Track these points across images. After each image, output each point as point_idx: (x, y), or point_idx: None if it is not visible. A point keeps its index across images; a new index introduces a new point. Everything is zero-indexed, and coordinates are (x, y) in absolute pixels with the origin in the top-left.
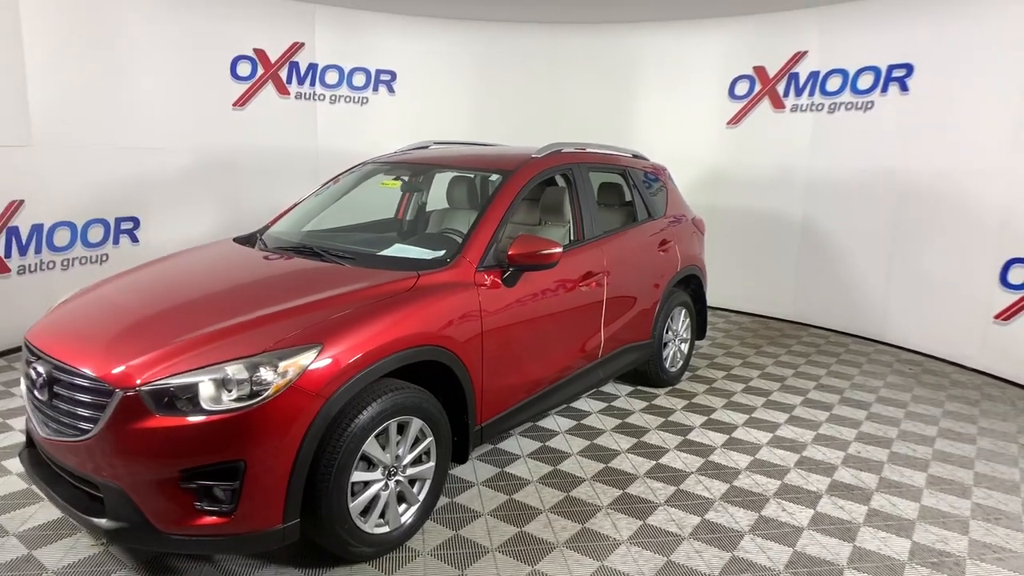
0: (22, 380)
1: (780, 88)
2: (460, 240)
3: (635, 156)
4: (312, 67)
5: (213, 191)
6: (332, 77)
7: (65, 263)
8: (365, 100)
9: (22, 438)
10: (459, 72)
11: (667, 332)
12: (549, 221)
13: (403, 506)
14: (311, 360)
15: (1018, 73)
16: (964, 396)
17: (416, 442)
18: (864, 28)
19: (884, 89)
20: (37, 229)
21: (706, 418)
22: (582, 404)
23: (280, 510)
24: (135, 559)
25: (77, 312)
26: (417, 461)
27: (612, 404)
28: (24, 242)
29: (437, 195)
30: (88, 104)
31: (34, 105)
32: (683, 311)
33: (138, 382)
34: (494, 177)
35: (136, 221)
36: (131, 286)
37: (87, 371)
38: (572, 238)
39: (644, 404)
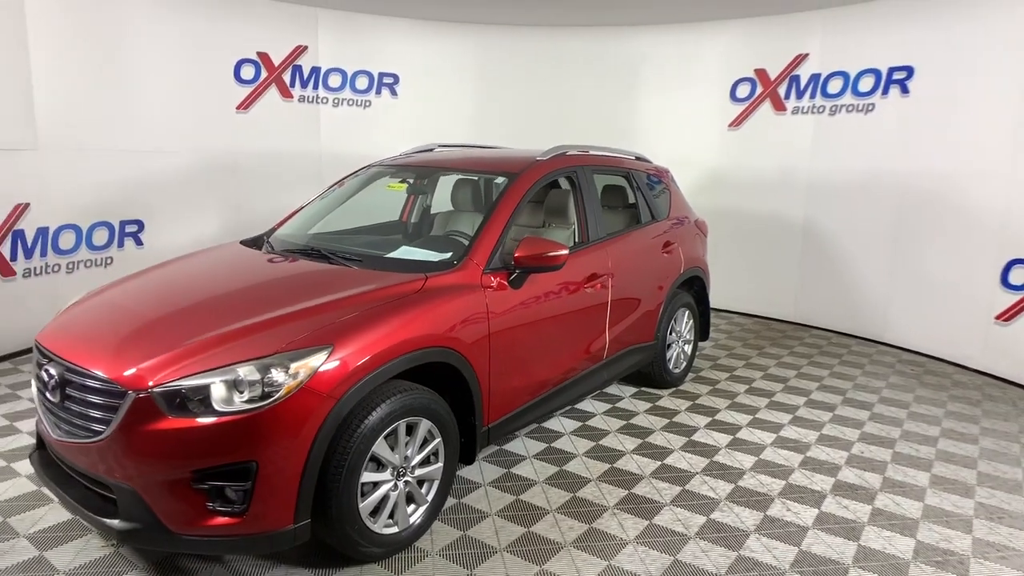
0: (33, 382)
1: (781, 90)
2: (467, 242)
3: (638, 158)
4: (315, 70)
5: (217, 194)
6: (335, 80)
7: (70, 266)
8: (368, 103)
9: (30, 440)
10: (461, 75)
11: (671, 333)
12: (553, 223)
13: (412, 506)
14: (322, 361)
15: (1018, 75)
16: (966, 396)
17: (424, 443)
18: (865, 31)
19: (885, 91)
20: (42, 232)
21: (710, 419)
22: (587, 405)
23: (291, 510)
24: (146, 560)
25: (88, 314)
26: (425, 462)
27: (616, 405)
28: (30, 245)
29: (441, 198)
30: (93, 107)
31: (40, 108)
32: (686, 312)
33: (150, 384)
34: (499, 180)
35: (140, 224)
36: (141, 288)
37: (99, 373)
38: (577, 240)
39: (648, 405)
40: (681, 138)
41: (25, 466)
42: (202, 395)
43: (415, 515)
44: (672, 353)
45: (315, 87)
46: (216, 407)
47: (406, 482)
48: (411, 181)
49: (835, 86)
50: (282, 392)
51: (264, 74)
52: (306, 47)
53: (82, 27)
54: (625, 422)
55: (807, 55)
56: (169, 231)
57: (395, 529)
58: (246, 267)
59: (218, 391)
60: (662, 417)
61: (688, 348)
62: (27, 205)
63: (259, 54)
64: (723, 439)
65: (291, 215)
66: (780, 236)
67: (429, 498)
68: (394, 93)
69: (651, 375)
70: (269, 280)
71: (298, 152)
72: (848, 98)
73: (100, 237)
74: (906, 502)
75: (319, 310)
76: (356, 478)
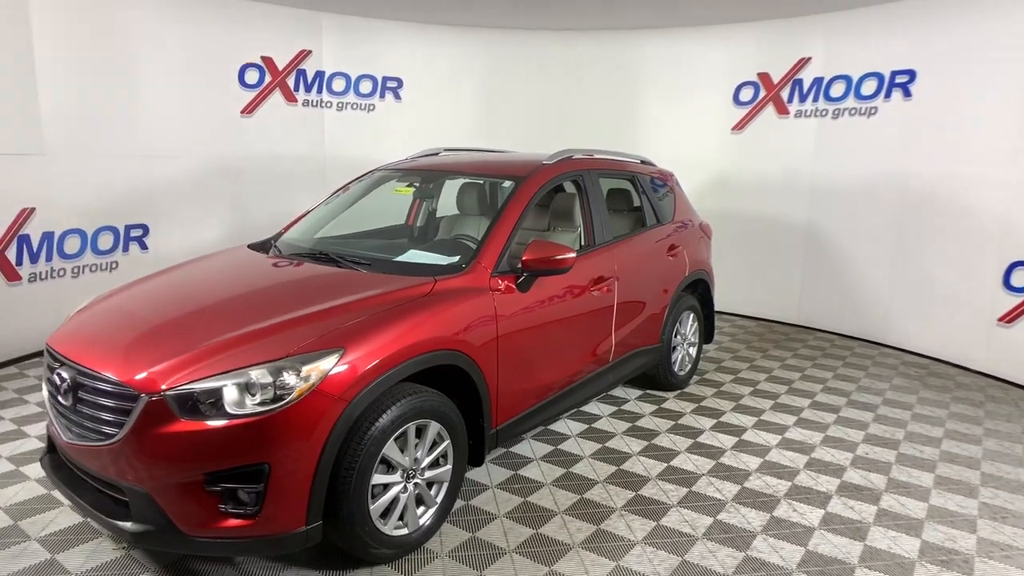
0: (44, 385)
1: (784, 94)
2: (475, 246)
3: (643, 162)
4: (319, 74)
5: (221, 198)
6: (339, 84)
7: (75, 271)
8: (372, 107)
9: (38, 444)
10: (465, 79)
11: (676, 336)
12: (559, 227)
13: (421, 508)
14: (333, 364)
15: (1019, 78)
16: (969, 398)
17: (434, 445)
18: (867, 35)
19: (887, 95)
20: (48, 237)
21: (715, 421)
22: (592, 408)
23: (303, 512)
24: (157, 562)
25: (99, 318)
26: (435, 464)
27: (622, 408)
28: (35, 250)
29: (446, 202)
30: (98, 112)
31: (45, 113)
32: (691, 315)
33: (163, 387)
34: (507, 183)
35: (145, 228)
36: (151, 292)
37: (112, 376)
38: (583, 243)
39: (653, 407)
40: (684, 141)
41: (34, 470)
42: (214, 398)
43: (425, 517)
44: (677, 356)
45: (319, 91)
46: (228, 410)
47: (416, 484)
48: (417, 185)
49: (838, 90)
50: (294, 395)
51: (268, 78)
52: (310, 51)
53: (87, 32)
54: (631, 424)
55: (810, 59)
56: (174, 235)
57: (405, 531)
58: (255, 271)
59: (230, 394)
60: (668, 419)
61: (693, 351)
62: (33, 210)
63: (263, 58)
64: (729, 441)
65: (298, 219)
66: (783, 239)
67: (438, 500)
68: (398, 97)
69: (656, 377)
70: (279, 284)
71: (302, 156)
72: (851, 101)
73: (105, 241)
74: (911, 502)
75: (330, 313)
76: (367, 480)
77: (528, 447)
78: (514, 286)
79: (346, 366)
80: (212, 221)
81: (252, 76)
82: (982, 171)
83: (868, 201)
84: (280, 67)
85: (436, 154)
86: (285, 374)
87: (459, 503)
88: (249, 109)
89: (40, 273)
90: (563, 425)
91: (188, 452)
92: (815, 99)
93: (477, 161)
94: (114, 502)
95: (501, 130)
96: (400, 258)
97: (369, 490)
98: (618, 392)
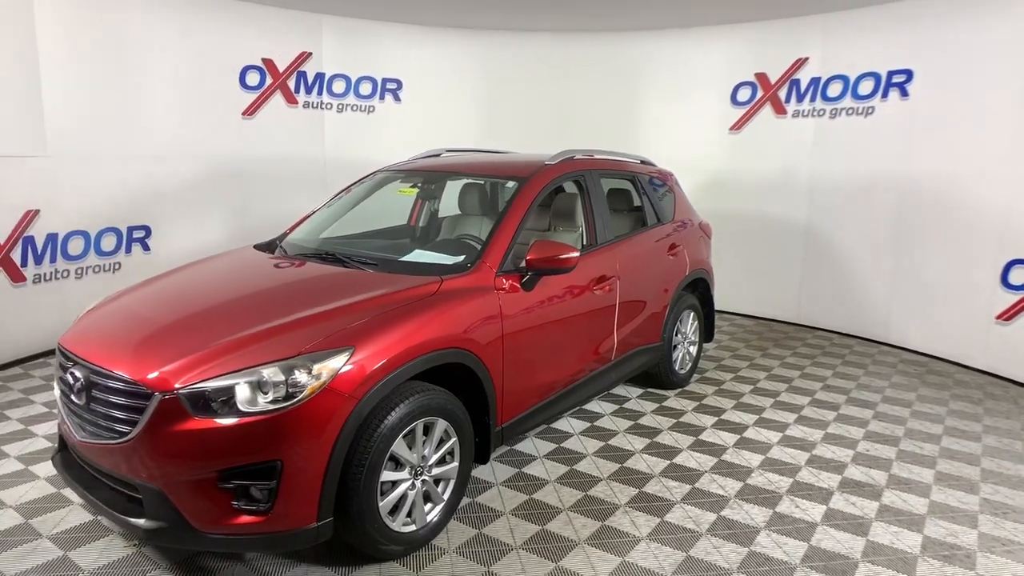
0: (56, 384)
1: (782, 94)
2: (479, 246)
3: (643, 162)
4: (319, 76)
5: (223, 199)
6: (339, 86)
7: (79, 272)
8: (372, 109)
9: (46, 444)
10: (465, 80)
11: (676, 335)
12: (560, 227)
13: (429, 505)
14: (343, 363)
15: (1016, 76)
16: (968, 395)
17: (441, 443)
18: (865, 35)
19: (884, 94)
20: (52, 238)
21: (716, 419)
22: (594, 406)
23: (314, 509)
24: (169, 559)
25: (110, 317)
26: (442, 461)
27: (624, 406)
28: (39, 251)
29: (449, 202)
30: (101, 114)
31: (49, 116)
32: (692, 314)
33: (176, 385)
34: (510, 184)
35: (148, 230)
36: (160, 292)
37: (125, 375)
38: (585, 243)
39: (655, 406)
40: (683, 142)
41: (43, 469)
42: (227, 396)
43: (432, 513)
44: (678, 354)
45: (319, 93)
46: (241, 408)
47: (423, 481)
48: (420, 185)
49: (835, 89)
50: (305, 393)
51: (269, 80)
52: (310, 53)
53: (90, 36)
54: (633, 422)
55: (807, 59)
56: (176, 237)
57: (413, 527)
58: (262, 271)
59: (243, 392)
60: (669, 417)
61: (693, 349)
62: (37, 211)
63: (264, 60)
64: (730, 438)
65: (302, 220)
66: (782, 238)
67: (446, 497)
68: (397, 99)
69: (657, 376)
70: (287, 283)
71: (303, 157)
72: (848, 101)
73: (108, 243)
74: (912, 498)
75: (339, 313)
76: (376, 477)
77: (532, 445)
78: (518, 285)
79: (356, 364)
80: (213, 222)
81: (253, 78)
82: (979, 169)
83: (866, 200)
84: (281, 69)
85: (438, 155)
86: (297, 372)
87: (465, 500)
88: (250, 111)
89: (44, 274)
90: (566, 423)
91: (201, 450)
92: (812, 99)
93: (480, 162)
94: (127, 499)
95: (501, 131)
96: (406, 258)
97: (378, 487)
98: (619, 390)
